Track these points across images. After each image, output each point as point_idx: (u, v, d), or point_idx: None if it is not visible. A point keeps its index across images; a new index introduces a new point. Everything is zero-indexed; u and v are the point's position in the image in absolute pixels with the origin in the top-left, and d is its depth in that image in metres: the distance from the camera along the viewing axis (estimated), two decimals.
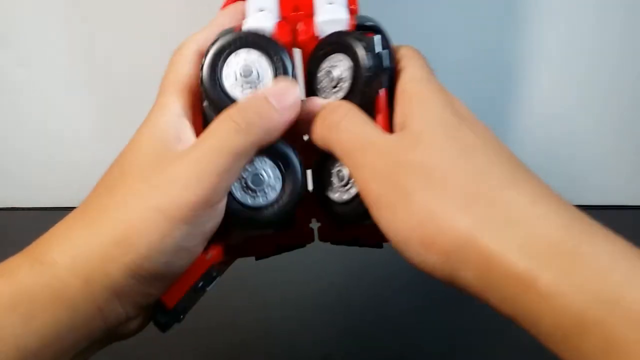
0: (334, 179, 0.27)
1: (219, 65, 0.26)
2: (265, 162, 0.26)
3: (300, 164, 0.27)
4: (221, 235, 0.26)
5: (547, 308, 0.19)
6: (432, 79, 0.26)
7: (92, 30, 0.52)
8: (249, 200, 0.26)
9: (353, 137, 0.24)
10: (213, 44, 0.27)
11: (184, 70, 0.27)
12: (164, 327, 0.26)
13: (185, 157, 0.24)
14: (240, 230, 0.27)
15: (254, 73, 0.26)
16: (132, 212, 0.23)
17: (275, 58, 0.26)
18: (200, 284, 0.26)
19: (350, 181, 0.26)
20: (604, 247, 0.19)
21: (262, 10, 0.29)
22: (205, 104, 0.27)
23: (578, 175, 0.58)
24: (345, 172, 0.27)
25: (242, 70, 0.26)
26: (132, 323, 0.25)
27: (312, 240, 0.30)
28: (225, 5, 0.30)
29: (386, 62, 0.26)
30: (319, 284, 0.49)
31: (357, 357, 0.42)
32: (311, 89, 0.28)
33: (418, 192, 0.22)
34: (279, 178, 0.27)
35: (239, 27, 0.28)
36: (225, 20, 0.29)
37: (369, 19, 0.28)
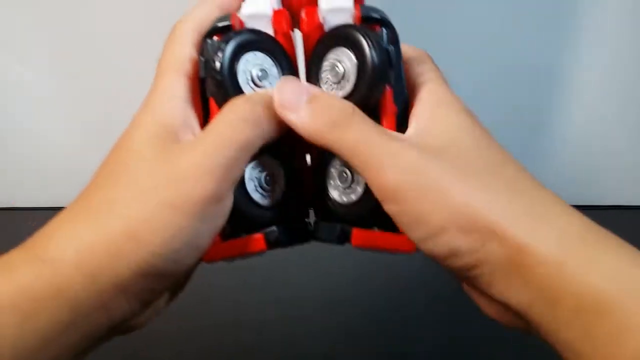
0: (336, 179, 0.27)
1: (237, 60, 0.26)
2: (272, 160, 0.27)
3: (298, 162, 0.28)
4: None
5: (569, 291, 0.20)
6: (446, 81, 0.26)
7: (91, 31, 0.52)
8: (262, 200, 0.26)
9: (364, 137, 0.23)
10: (230, 39, 0.26)
11: (185, 52, 0.26)
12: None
13: (195, 148, 0.23)
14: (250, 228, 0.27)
15: (269, 77, 0.27)
16: (144, 208, 0.22)
17: (285, 71, 0.27)
18: None
19: (354, 182, 0.26)
20: (617, 242, 0.22)
21: None
22: (208, 93, 0.26)
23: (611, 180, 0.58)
24: (349, 172, 0.26)
25: (259, 71, 0.26)
26: (136, 319, 0.24)
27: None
28: None
29: (394, 59, 0.26)
30: (320, 284, 0.49)
31: (357, 357, 0.43)
32: (312, 81, 0.27)
33: (454, 184, 0.22)
34: (282, 176, 0.27)
35: (236, 12, 0.27)
36: None
37: (376, 10, 0.26)
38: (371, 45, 0.25)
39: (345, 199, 0.27)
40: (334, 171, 0.27)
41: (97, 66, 0.53)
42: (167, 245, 0.22)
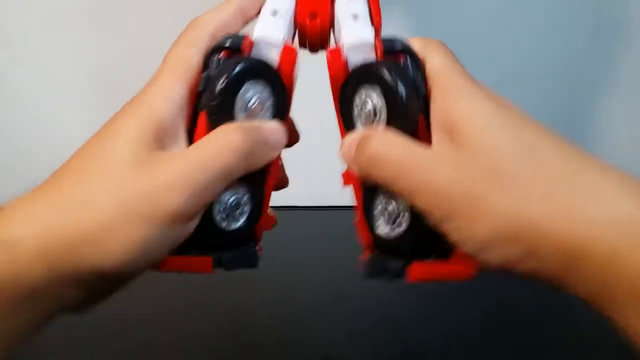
0: (380, 217, 0.26)
1: (239, 86, 0.25)
2: (242, 187, 0.27)
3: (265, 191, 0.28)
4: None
5: (625, 279, 0.20)
6: (461, 67, 0.25)
7: (94, 28, 0.52)
8: (223, 224, 0.27)
9: (399, 161, 0.24)
10: (238, 63, 0.25)
11: (196, 58, 0.25)
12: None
13: (177, 163, 0.23)
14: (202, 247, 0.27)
15: (263, 109, 0.26)
16: (112, 212, 0.22)
17: (281, 104, 0.27)
18: None
19: (400, 215, 0.25)
20: None
21: (275, 14, 0.27)
22: (201, 108, 0.26)
23: None
24: (392, 206, 0.26)
25: (256, 102, 0.26)
26: (86, 305, 0.24)
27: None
28: None
29: (421, 87, 0.25)
30: (320, 285, 0.49)
31: (357, 358, 0.43)
32: (347, 122, 0.27)
33: (493, 195, 0.22)
34: (248, 204, 0.27)
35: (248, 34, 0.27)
36: (244, 3, 0.28)
37: (396, 40, 0.26)
38: (397, 80, 0.24)
39: (393, 233, 0.26)
40: (377, 210, 0.26)
41: (103, 65, 0.54)
42: (126, 252, 0.22)
